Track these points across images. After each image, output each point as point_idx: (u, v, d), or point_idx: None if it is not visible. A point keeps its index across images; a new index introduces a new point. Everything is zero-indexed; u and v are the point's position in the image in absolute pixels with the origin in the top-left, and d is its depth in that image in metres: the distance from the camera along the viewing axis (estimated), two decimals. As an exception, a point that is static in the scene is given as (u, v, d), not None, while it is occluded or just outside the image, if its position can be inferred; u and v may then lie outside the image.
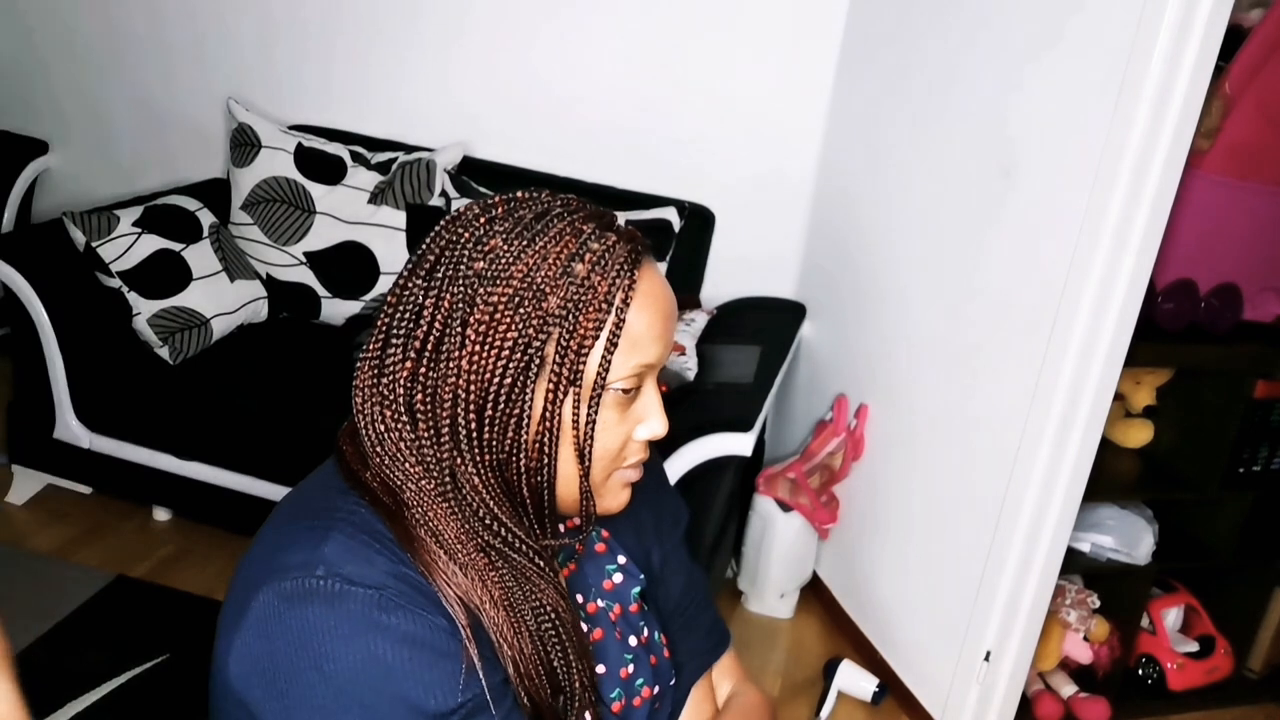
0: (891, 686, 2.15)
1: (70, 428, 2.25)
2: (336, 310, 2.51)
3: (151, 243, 2.23)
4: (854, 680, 2.12)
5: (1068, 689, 2.17)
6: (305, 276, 2.48)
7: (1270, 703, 2.33)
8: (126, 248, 2.19)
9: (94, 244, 2.15)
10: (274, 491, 2.09)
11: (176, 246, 2.27)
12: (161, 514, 2.42)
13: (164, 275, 2.22)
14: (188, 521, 2.39)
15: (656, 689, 0.91)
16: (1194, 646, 2.31)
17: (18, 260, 2.13)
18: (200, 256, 2.31)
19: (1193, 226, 1.85)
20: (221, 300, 2.32)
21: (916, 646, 2.13)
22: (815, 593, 2.47)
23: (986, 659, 1.93)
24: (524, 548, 0.78)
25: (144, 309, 2.18)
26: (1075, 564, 2.09)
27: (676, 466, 1.83)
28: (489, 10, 2.56)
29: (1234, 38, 1.67)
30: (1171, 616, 2.34)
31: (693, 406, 1.93)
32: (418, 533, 0.75)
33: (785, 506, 2.29)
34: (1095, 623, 2.17)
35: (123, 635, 2.00)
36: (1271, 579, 2.30)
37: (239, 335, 2.38)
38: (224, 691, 0.76)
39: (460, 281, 0.74)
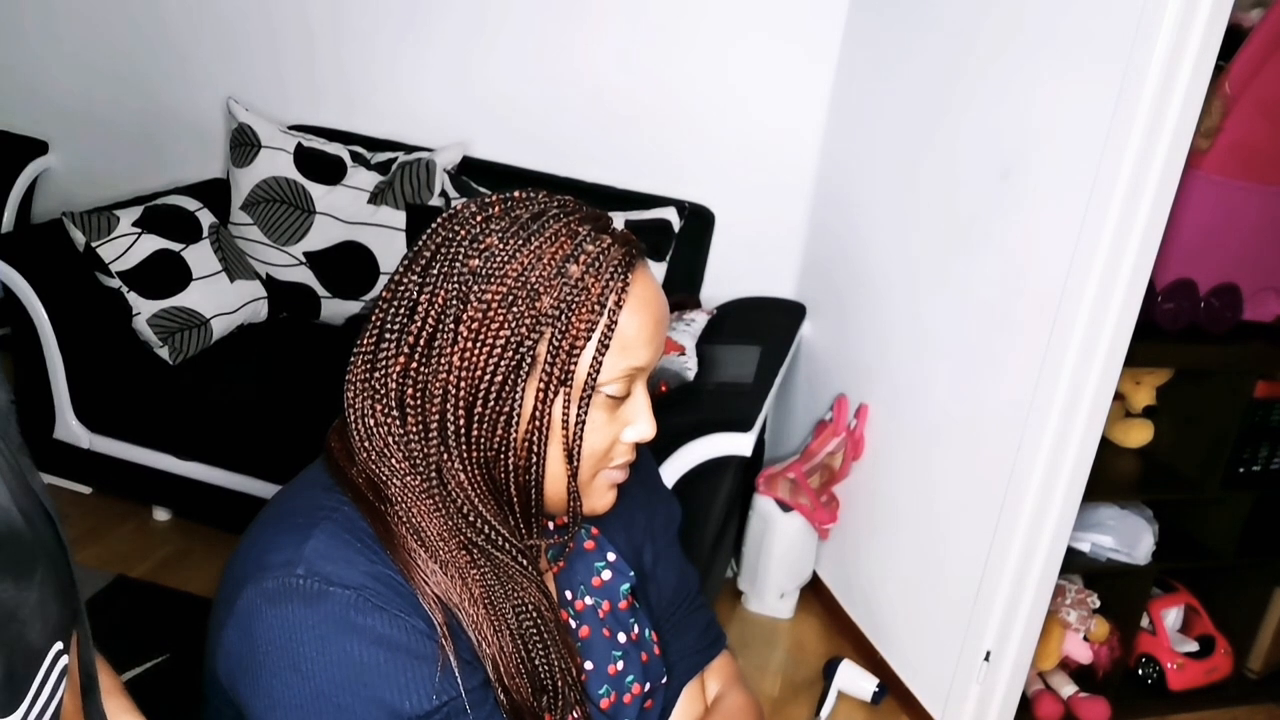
0: (891, 686, 2.15)
1: (70, 428, 2.25)
2: (336, 310, 2.51)
3: (151, 243, 2.23)
4: (854, 680, 2.12)
5: (1068, 689, 2.17)
6: (305, 276, 2.48)
7: (1270, 703, 2.33)
8: (126, 248, 2.19)
9: (94, 244, 2.15)
10: (273, 492, 2.09)
11: (176, 246, 2.27)
12: (161, 514, 2.43)
13: (164, 275, 2.22)
14: (188, 521, 2.40)
15: (647, 686, 0.92)
16: (1194, 646, 2.31)
17: (18, 260, 2.13)
18: (200, 256, 2.31)
19: (1192, 226, 1.85)
20: (221, 300, 2.32)
21: (916, 646, 2.13)
22: (815, 593, 2.47)
23: (986, 659, 1.93)
24: (507, 546, 0.79)
25: (144, 309, 2.18)
26: (1075, 564, 2.08)
27: (676, 466, 1.83)
28: (489, 10, 2.56)
29: (1234, 38, 1.66)
30: (1171, 616, 2.34)
31: (693, 406, 1.93)
32: (399, 530, 0.75)
33: (785, 506, 2.29)
34: (1095, 623, 2.17)
35: (123, 635, 2.00)
36: (1271, 579, 2.30)
37: (239, 335, 2.38)
38: (214, 688, 0.77)
39: (455, 278, 0.74)
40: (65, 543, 0.60)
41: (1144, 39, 1.54)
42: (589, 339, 0.74)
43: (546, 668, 0.79)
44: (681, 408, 1.90)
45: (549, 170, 2.59)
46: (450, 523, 0.77)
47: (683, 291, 2.48)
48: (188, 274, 2.26)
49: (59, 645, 0.57)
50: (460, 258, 0.74)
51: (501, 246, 0.74)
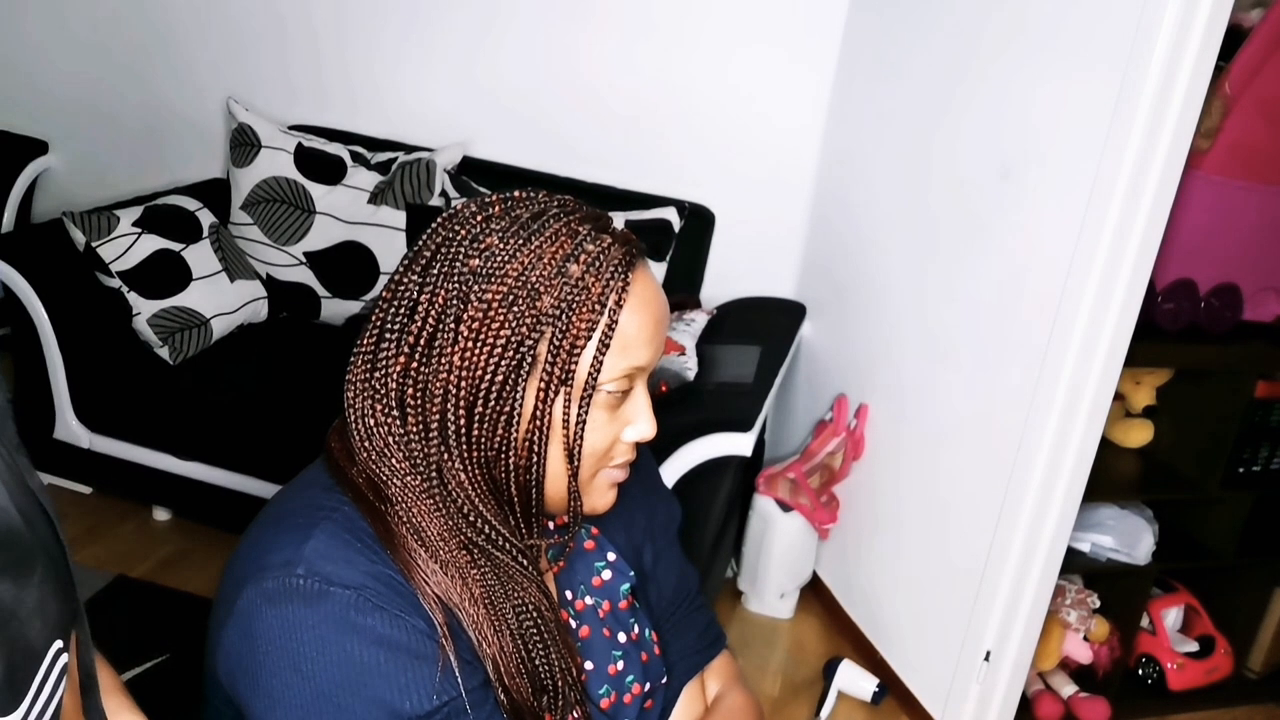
0: (891, 686, 2.15)
1: (70, 428, 2.25)
2: (336, 310, 2.51)
3: (151, 243, 2.23)
4: (854, 680, 2.12)
5: (1068, 689, 2.17)
6: (305, 276, 2.48)
7: (1270, 703, 2.33)
8: (126, 248, 2.19)
9: (94, 244, 2.15)
10: (273, 492, 2.09)
11: (176, 246, 2.27)
12: (161, 514, 2.43)
13: (164, 275, 2.22)
14: (188, 521, 2.40)
15: (647, 686, 0.92)
16: (1194, 646, 2.31)
17: (18, 260, 2.13)
18: (200, 256, 2.31)
19: (1192, 226, 1.85)
20: (221, 300, 2.32)
21: (916, 646, 2.13)
22: (815, 593, 2.46)
23: (986, 659, 1.93)
24: (508, 546, 0.79)
25: (144, 309, 2.18)
26: (1075, 564, 2.08)
27: (676, 466, 1.83)
28: (489, 11, 2.56)
29: (1234, 38, 1.66)
30: (1171, 616, 2.34)
31: (693, 406, 1.93)
32: (400, 530, 0.75)
33: (785, 506, 2.29)
34: (1095, 623, 2.17)
35: (123, 635, 2.00)
36: (1271, 579, 2.30)
37: (239, 335, 2.38)
38: (214, 688, 0.77)
39: (455, 278, 0.74)
40: (64, 542, 0.60)
41: (1144, 39, 1.54)
42: (589, 338, 0.74)
43: (547, 668, 0.79)
44: (681, 408, 1.90)
45: (549, 170, 2.59)
46: (450, 523, 0.77)
47: (683, 291, 2.48)
48: (188, 274, 2.26)
49: (58, 644, 0.57)
50: (460, 257, 0.74)
51: (502, 246, 0.74)
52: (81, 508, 2.41)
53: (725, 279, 2.55)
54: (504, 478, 0.77)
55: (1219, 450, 2.08)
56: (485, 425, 0.75)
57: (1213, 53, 1.55)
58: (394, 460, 0.76)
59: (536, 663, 0.79)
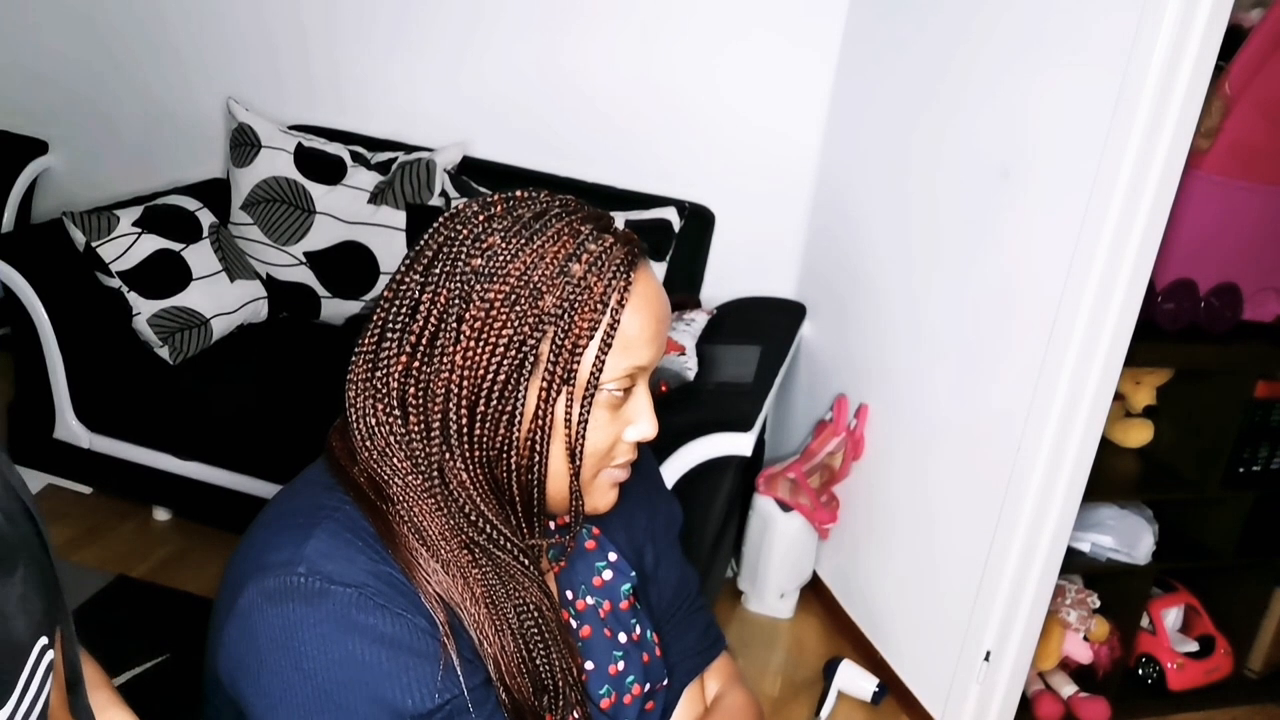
0: (891, 686, 2.15)
1: (70, 428, 2.25)
2: (336, 310, 2.51)
3: (151, 243, 2.23)
4: (854, 680, 2.12)
5: (1068, 689, 2.17)
6: (305, 276, 2.48)
7: (1270, 703, 2.33)
8: (126, 248, 2.19)
9: (94, 244, 2.15)
10: (273, 492, 2.09)
11: (176, 246, 2.27)
12: (161, 514, 2.43)
13: (164, 275, 2.22)
14: (188, 521, 2.39)
15: (648, 686, 0.92)
16: (1194, 646, 2.31)
17: (18, 260, 2.13)
18: (200, 256, 2.31)
19: (1193, 226, 1.85)
20: (221, 300, 2.32)
21: (916, 646, 2.13)
22: (815, 593, 2.47)
23: (986, 659, 1.93)
24: (509, 545, 0.79)
25: (144, 309, 2.18)
26: (1075, 564, 2.08)
27: (676, 466, 1.83)
28: (489, 10, 2.56)
29: (1234, 38, 1.67)
30: (1171, 616, 2.34)
31: (693, 406, 1.93)
32: (401, 529, 0.75)
33: (785, 506, 2.29)
34: (1095, 623, 2.17)
35: (123, 635, 2.00)
36: (1271, 579, 2.30)
37: (239, 335, 2.38)
38: (215, 687, 0.77)
39: (457, 278, 0.74)
40: (46, 538, 0.60)
41: (1144, 39, 1.54)
42: (591, 338, 0.74)
43: (548, 667, 0.79)
44: (681, 408, 1.90)
45: (549, 170, 2.59)
46: (452, 522, 0.77)
47: (683, 291, 2.48)
48: (188, 274, 2.26)
49: (44, 640, 0.57)
50: (463, 257, 0.74)
51: (504, 245, 0.74)
52: (81, 508, 2.41)
53: (725, 279, 2.56)
54: (506, 477, 0.77)
55: (1219, 450, 2.08)
56: (487, 425, 0.75)
57: (1213, 53, 1.55)
58: (395, 460, 0.76)
59: (537, 662, 0.79)
